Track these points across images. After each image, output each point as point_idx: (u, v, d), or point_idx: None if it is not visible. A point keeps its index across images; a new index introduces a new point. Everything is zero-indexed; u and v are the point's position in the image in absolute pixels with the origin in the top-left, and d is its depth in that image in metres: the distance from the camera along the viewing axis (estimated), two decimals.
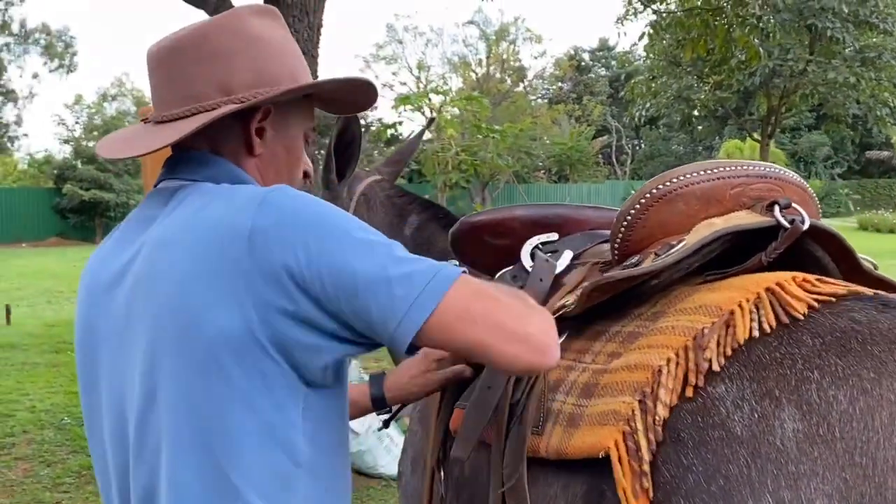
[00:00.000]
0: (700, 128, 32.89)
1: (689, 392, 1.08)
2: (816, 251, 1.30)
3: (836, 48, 17.36)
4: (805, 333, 1.07)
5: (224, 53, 1.18)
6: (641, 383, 1.13)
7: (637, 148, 42.92)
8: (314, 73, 4.69)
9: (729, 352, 1.08)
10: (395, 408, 1.57)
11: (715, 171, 1.36)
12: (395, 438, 4.69)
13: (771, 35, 13.32)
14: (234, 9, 1.25)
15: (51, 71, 36.23)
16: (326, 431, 1.14)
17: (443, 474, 1.58)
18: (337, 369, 1.13)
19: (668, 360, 1.12)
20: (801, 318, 1.09)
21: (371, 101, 1.34)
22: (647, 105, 21.07)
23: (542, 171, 31.94)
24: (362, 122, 2.09)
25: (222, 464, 1.05)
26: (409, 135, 3.32)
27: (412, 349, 1.07)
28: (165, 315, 1.07)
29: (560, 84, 41.58)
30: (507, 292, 1.14)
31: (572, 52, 43.75)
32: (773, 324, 1.09)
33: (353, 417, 1.55)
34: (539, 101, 38.36)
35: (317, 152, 5.01)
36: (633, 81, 21.60)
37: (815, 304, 1.10)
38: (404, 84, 32.78)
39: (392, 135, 23.71)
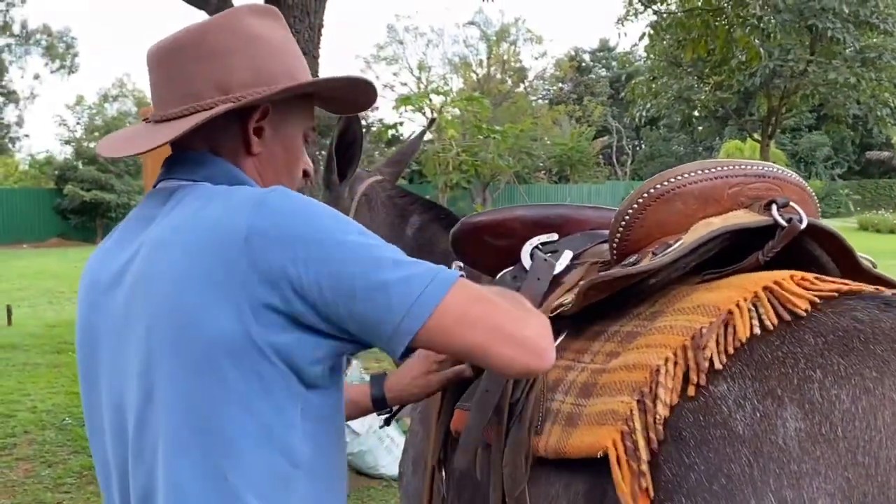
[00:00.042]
0: (700, 128, 32.87)
1: (691, 391, 1.07)
2: (815, 250, 1.30)
3: (836, 48, 17.36)
4: (807, 332, 1.07)
5: (222, 52, 1.18)
6: (640, 383, 1.13)
7: (637, 148, 42.94)
8: (315, 74, 4.69)
9: (731, 350, 1.08)
10: (395, 407, 1.57)
11: (713, 170, 1.35)
12: (395, 439, 4.69)
13: (771, 35, 13.29)
14: (234, 8, 1.25)
15: (52, 72, 36.25)
16: (324, 432, 1.14)
17: (444, 474, 1.58)
18: (333, 369, 1.14)
19: (667, 360, 1.12)
20: (804, 315, 1.09)
21: (371, 101, 1.34)
22: (648, 106, 21.07)
23: (543, 172, 31.94)
24: (363, 122, 2.09)
25: (220, 464, 1.05)
26: (410, 135, 3.32)
27: (407, 353, 1.07)
28: (162, 315, 1.07)
29: (561, 85, 41.60)
30: (504, 296, 1.15)
31: (573, 53, 43.78)
32: (775, 321, 1.09)
33: (353, 417, 1.56)
34: (540, 101, 38.36)
35: (318, 152, 5.01)
36: (633, 82, 21.61)
37: (817, 301, 1.10)
38: (405, 85, 32.85)
39: (393, 135, 23.70)
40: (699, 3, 11.26)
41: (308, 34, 4.96)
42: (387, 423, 1.66)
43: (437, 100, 17.71)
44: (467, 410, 1.48)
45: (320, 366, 1.10)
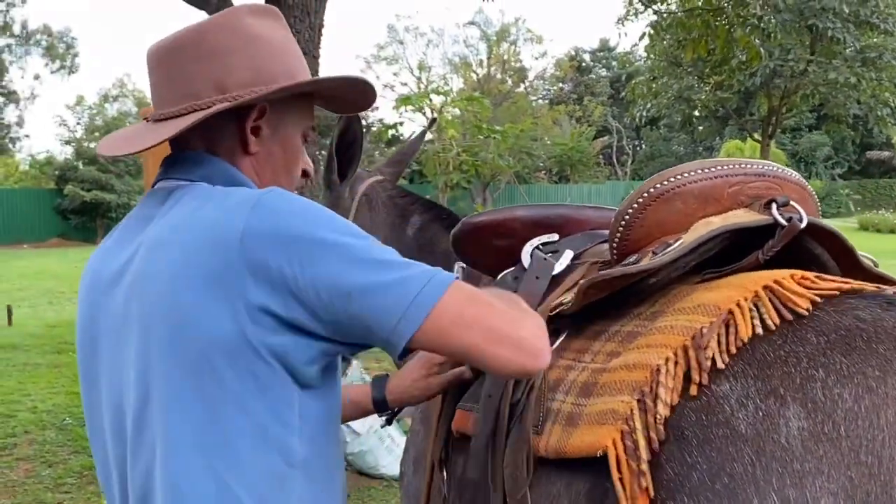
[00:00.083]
0: (701, 128, 32.84)
1: (693, 390, 1.07)
2: (815, 249, 1.30)
3: (836, 48, 17.34)
4: (809, 331, 1.07)
5: (220, 52, 1.18)
6: (640, 382, 1.13)
7: (638, 148, 42.94)
8: (315, 74, 4.69)
9: (733, 350, 1.08)
10: (395, 408, 1.57)
11: (713, 169, 1.35)
12: (396, 439, 4.69)
13: (772, 35, 13.30)
14: (233, 8, 1.25)
15: (52, 72, 36.26)
16: (321, 432, 1.14)
17: (445, 474, 1.58)
18: (329, 369, 1.14)
19: (667, 360, 1.12)
20: (805, 314, 1.09)
21: (370, 101, 1.34)
22: (648, 105, 21.04)
23: (543, 172, 31.95)
24: (363, 122, 2.09)
25: (216, 464, 1.06)
26: (411, 135, 3.32)
27: (404, 353, 1.08)
28: (158, 315, 1.07)
29: (561, 85, 41.61)
30: (500, 297, 1.16)
31: (573, 53, 43.78)
32: (777, 321, 1.09)
33: (355, 418, 1.56)
34: (540, 101, 38.37)
35: (318, 152, 5.01)
36: (633, 82, 21.59)
37: (818, 300, 1.10)
38: (405, 85, 32.84)
39: (393, 135, 23.72)
40: (699, 3, 11.26)
41: (308, 34, 4.97)
42: (388, 423, 1.66)
43: (437, 100, 17.71)
44: (468, 411, 1.48)
45: (316, 366, 1.10)
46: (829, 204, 32.57)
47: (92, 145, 29.10)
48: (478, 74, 35.29)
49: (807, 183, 1.41)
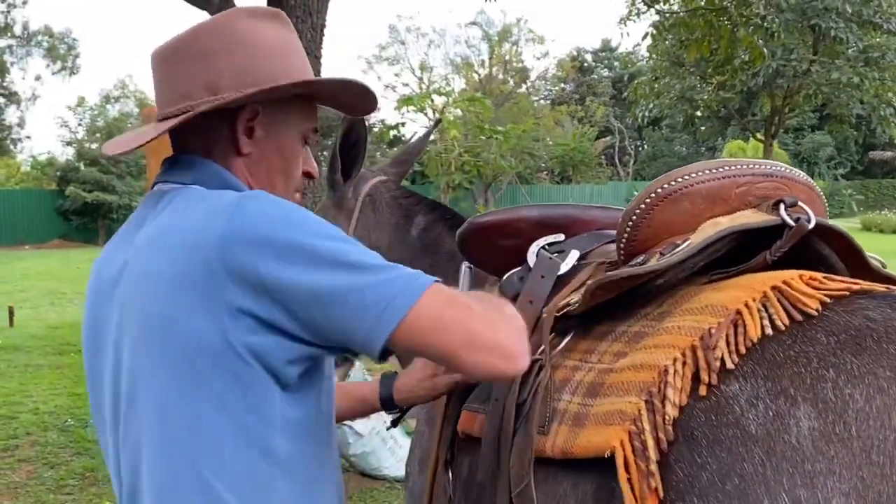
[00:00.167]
0: (703, 128, 32.83)
1: (703, 391, 1.07)
2: (823, 249, 1.30)
3: (839, 48, 17.32)
4: (819, 331, 1.06)
5: (212, 53, 1.19)
6: (648, 383, 1.13)
7: (640, 149, 42.94)
8: (317, 74, 4.68)
9: (742, 350, 1.08)
10: (402, 408, 1.57)
11: (720, 170, 1.35)
12: (399, 440, 4.68)
13: (775, 35, 13.30)
14: (232, 9, 1.26)
15: (53, 73, 36.27)
16: (303, 433, 1.15)
17: (451, 475, 1.58)
18: (311, 370, 1.15)
19: (675, 360, 1.12)
20: (815, 314, 1.08)
21: (371, 105, 1.34)
22: (650, 106, 21.02)
23: (545, 173, 31.97)
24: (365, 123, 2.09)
25: (199, 463, 1.07)
26: (413, 136, 3.32)
27: (384, 354, 1.08)
28: (145, 316, 1.09)
29: (563, 85, 41.60)
30: (480, 300, 1.16)
31: (575, 53, 43.76)
32: (786, 321, 1.09)
33: (363, 415, 1.58)
34: (542, 102, 38.38)
35: (320, 153, 5.01)
36: (636, 82, 21.56)
37: (827, 300, 1.10)
38: (407, 85, 32.84)
39: (395, 136, 23.73)
40: (702, 3, 11.25)
41: (310, 35, 4.98)
42: (394, 424, 1.65)
43: (439, 100, 17.76)
44: (474, 412, 1.48)
45: (297, 367, 1.11)
46: (831, 204, 32.41)
47: (93, 146, 29.16)
48: (479, 75, 35.28)
49: (814, 183, 1.41)
